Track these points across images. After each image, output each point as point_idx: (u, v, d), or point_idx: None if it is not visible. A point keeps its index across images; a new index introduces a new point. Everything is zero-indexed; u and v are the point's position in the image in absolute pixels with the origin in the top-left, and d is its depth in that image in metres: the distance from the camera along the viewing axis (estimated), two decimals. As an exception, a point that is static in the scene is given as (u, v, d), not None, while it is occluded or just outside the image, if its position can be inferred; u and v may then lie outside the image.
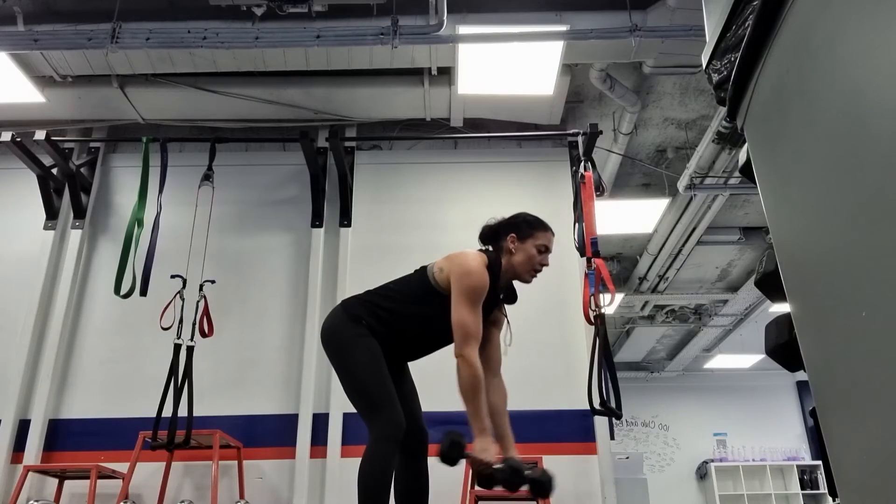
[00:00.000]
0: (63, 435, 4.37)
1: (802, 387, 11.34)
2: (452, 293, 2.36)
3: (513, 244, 2.56)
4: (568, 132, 4.90)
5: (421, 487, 2.43)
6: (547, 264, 2.60)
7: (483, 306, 2.40)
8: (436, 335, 2.49)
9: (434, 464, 2.41)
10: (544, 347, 4.48)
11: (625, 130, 5.35)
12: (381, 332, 2.42)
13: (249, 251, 4.85)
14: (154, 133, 4.81)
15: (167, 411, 3.78)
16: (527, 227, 2.60)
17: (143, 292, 4.02)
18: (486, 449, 2.23)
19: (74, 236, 4.82)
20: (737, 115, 1.22)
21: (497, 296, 2.57)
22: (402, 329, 2.48)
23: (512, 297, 2.66)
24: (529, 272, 2.56)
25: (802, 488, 10.43)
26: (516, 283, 2.64)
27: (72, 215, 4.90)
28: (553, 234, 2.64)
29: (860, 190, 0.84)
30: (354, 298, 2.54)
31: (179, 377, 3.86)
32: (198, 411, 3.85)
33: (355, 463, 2.30)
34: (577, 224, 4.27)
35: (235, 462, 4.15)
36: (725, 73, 1.19)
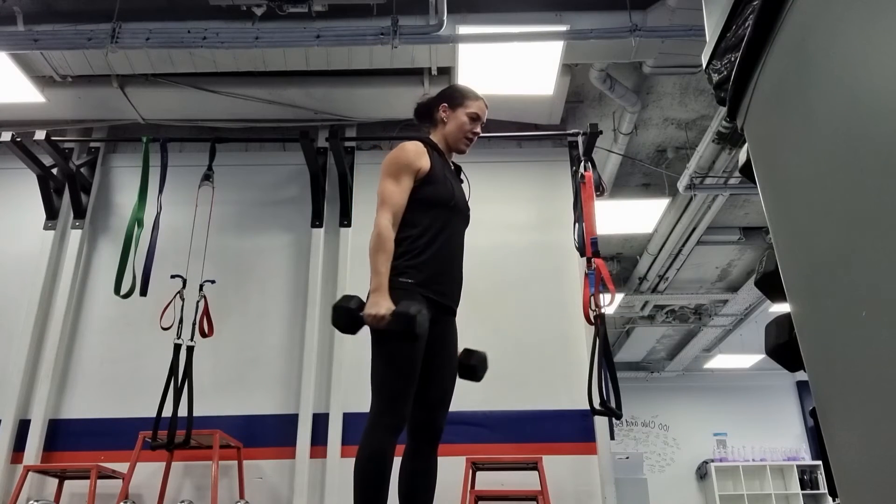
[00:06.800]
0: (63, 435, 4.37)
1: (802, 387, 11.34)
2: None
3: (444, 113, 2.60)
4: (568, 132, 4.91)
5: (427, 484, 2.34)
6: (478, 132, 2.63)
7: (450, 194, 2.47)
8: (457, 236, 2.52)
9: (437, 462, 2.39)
10: (544, 347, 4.48)
11: (625, 130, 5.35)
12: (419, 269, 2.34)
13: (249, 251, 4.85)
14: (154, 133, 4.82)
15: (167, 411, 3.77)
16: (459, 95, 2.62)
17: (143, 292, 4.03)
18: (376, 303, 2.22)
19: (74, 236, 4.82)
20: (737, 115, 1.22)
21: (456, 175, 2.64)
22: (430, 249, 2.40)
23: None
24: (461, 140, 2.60)
25: (802, 488, 10.43)
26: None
27: (72, 215, 4.90)
28: (486, 104, 2.65)
29: (860, 189, 0.84)
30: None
31: (179, 377, 3.86)
32: (198, 411, 3.85)
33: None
34: (577, 224, 4.28)
35: (235, 462, 4.15)
36: (725, 73, 1.19)
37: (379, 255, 2.30)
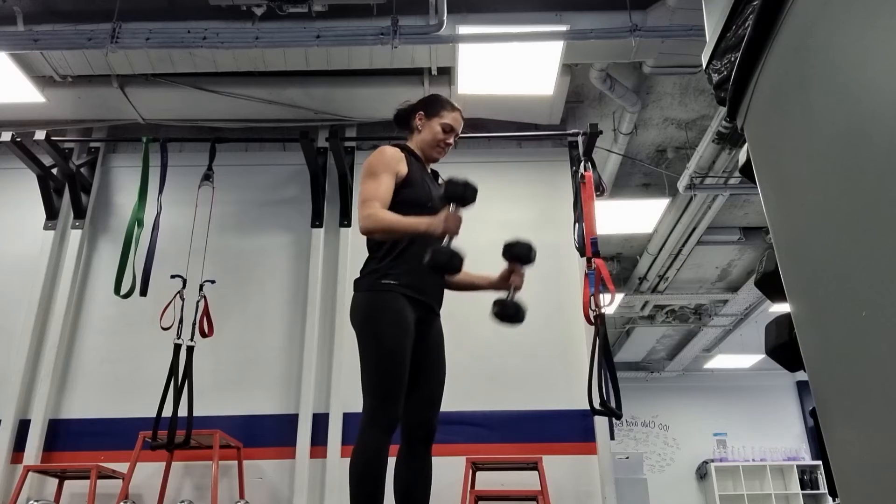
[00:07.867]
0: (63, 435, 4.37)
1: (802, 387, 11.34)
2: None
3: (420, 121, 2.63)
4: (568, 132, 4.91)
5: (422, 484, 2.35)
6: (451, 144, 2.65)
7: (427, 196, 2.47)
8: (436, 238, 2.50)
9: (436, 463, 2.39)
10: (544, 347, 4.48)
11: (625, 130, 5.35)
12: (401, 271, 2.37)
13: (249, 251, 4.85)
14: (154, 133, 4.82)
15: (167, 411, 3.78)
16: (436, 104, 2.65)
17: (143, 292, 4.03)
18: (438, 222, 2.24)
19: (74, 236, 4.82)
20: (737, 115, 1.22)
21: (434, 181, 2.64)
22: (409, 249, 2.42)
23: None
24: (434, 148, 2.62)
25: (802, 488, 10.43)
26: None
27: (72, 215, 4.90)
28: (462, 117, 2.67)
29: (860, 189, 0.84)
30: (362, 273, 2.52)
31: (179, 377, 3.86)
32: (198, 411, 3.85)
33: (355, 463, 2.28)
34: (577, 224, 4.28)
35: (235, 462, 4.15)
36: (725, 73, 1.19)
37: (394, 224, 2.31)
